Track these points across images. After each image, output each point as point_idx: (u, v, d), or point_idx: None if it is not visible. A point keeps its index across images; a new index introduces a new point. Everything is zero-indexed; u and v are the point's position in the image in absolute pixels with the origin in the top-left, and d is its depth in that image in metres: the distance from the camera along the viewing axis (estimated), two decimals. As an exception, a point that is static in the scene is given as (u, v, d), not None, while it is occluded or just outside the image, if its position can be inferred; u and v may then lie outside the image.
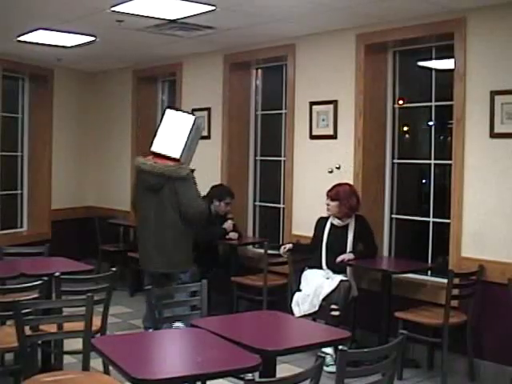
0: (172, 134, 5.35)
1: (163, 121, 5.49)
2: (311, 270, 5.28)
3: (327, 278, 5.11)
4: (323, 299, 4.98)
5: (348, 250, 5.19)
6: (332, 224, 5.30)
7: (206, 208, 5.52)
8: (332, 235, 5.27)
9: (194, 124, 5.32)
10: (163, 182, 5.21)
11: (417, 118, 5.86)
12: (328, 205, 5.26)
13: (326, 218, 5.34)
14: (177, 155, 5.27)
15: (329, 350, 4.76)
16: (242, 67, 6.74)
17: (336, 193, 5.22)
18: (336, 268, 5.16)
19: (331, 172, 5.66)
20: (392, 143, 5.64)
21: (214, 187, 6.27)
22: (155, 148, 5.38)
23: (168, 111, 5.54)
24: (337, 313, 4.87)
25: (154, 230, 5.30)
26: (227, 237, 6.22)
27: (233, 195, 6.26)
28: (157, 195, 5.26)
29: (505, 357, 4.55)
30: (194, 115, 5.48)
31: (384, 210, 5.64)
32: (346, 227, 5.26)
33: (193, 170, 5.38)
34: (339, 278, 5.04)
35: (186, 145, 5.28)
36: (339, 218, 5.26)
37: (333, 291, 4.96)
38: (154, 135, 5.47)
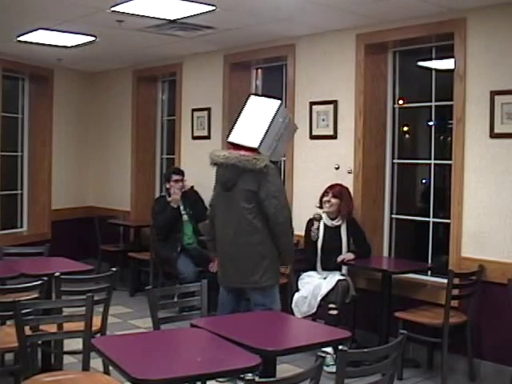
0: (252, 122, 4.51)
1: (244, 109, 4.62)
2: (306, 273, 5.27)
3: (324, 278, 5.11)
4: (322, 299, 4.98)
5: (344, 249, 5.19)
6: (325, 225, 5.26)
7: (289, 216, 4.50)
8: (326, 236, 5.24)
9: (278, 109, 4.48)
10: (236, 177, 4.34)
11: (417, 118, 5.86)
12: (329, 201, 5.23)
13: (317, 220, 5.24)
14: (254, 144, 4.37)
15: (329, 349, 4.76)
16: (242, 67, 6.73)
17: (340, 191, 5.24)
18: (331, 267, 5.15)
19: (338, 169, 5.65)
20: (392, 143, 5.64)
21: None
22: (232, 138, 4.52)
23: (251, 98, 4.71)
24: (334, 312, 4.87)
25: (231, 238, 4.42)
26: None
27: (179, 172, 6.57)
28: (231, 195, 4.41)
29: (505, 357, 4.55)
30: (280, 102, 4.58)
31: (384, 210, 5.64)
32: (338, 227, 5.26)
33: (275, 162, 4.49)
34: (337, 277, 5.04)
35: (266, 133, 4.40)
36: (332, 219, 5.25)
37: (331, 291, 4.96)
38: (233, 125, 4.62)
